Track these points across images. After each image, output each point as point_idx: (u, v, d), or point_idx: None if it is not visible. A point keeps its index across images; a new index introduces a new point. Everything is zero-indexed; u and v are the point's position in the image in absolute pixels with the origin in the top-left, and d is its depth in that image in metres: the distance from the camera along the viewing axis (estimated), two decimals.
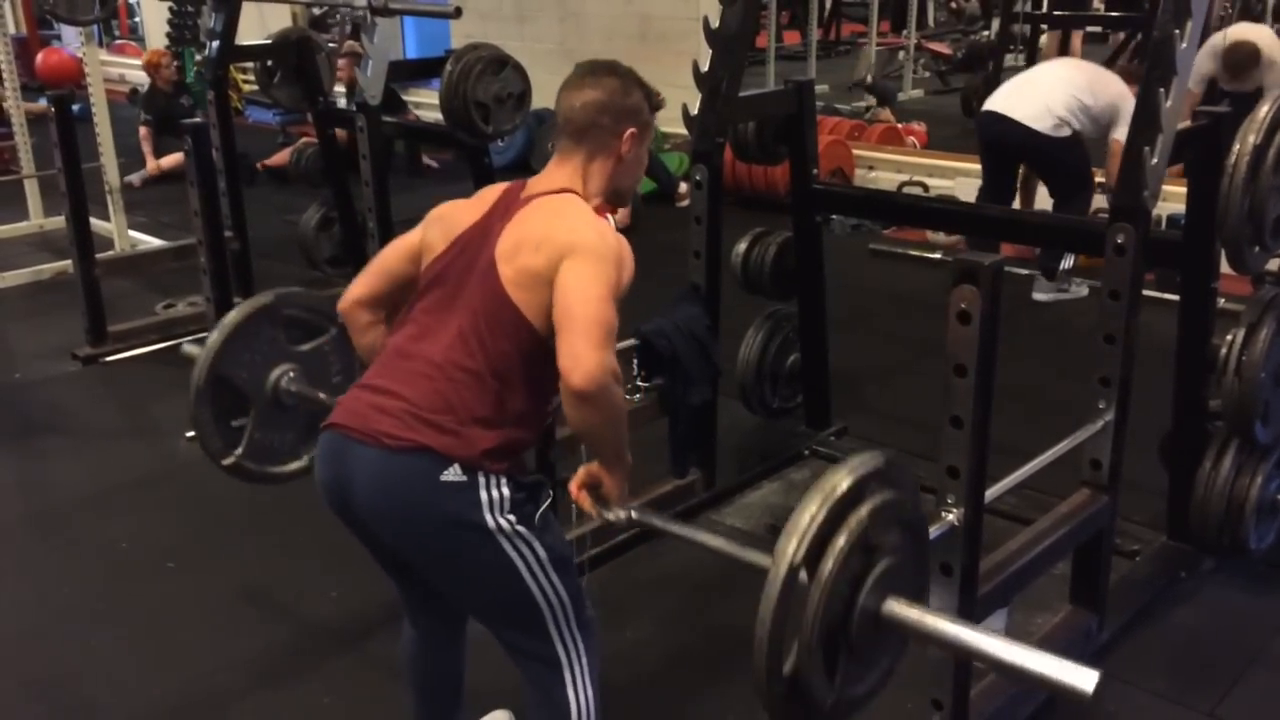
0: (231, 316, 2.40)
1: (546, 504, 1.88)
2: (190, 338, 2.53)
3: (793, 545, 1.50)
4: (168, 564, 3.20)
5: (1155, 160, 2.49)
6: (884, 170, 6.92)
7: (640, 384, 3.23)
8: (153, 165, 7.68)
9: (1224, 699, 2.56)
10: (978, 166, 6.66)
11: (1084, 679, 1.44)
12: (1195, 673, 2.66)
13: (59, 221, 5.06)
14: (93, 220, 4.75)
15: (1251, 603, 2.93)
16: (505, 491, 1.81)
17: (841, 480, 1.56)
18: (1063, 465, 2.54)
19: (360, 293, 2.09)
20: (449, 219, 2.00)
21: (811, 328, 3.72)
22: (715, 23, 3.18)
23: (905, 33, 10.76)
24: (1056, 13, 9.71)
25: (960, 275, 1.92)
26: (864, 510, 1.56)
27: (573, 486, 1.95)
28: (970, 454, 2.00)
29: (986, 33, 10.06)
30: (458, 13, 4.27)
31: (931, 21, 13.32)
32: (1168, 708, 2.55)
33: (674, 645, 2.76)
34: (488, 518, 1.79)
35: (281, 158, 7.06)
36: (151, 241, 5.97)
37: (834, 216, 6.16)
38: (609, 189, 2.02)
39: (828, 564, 1.51)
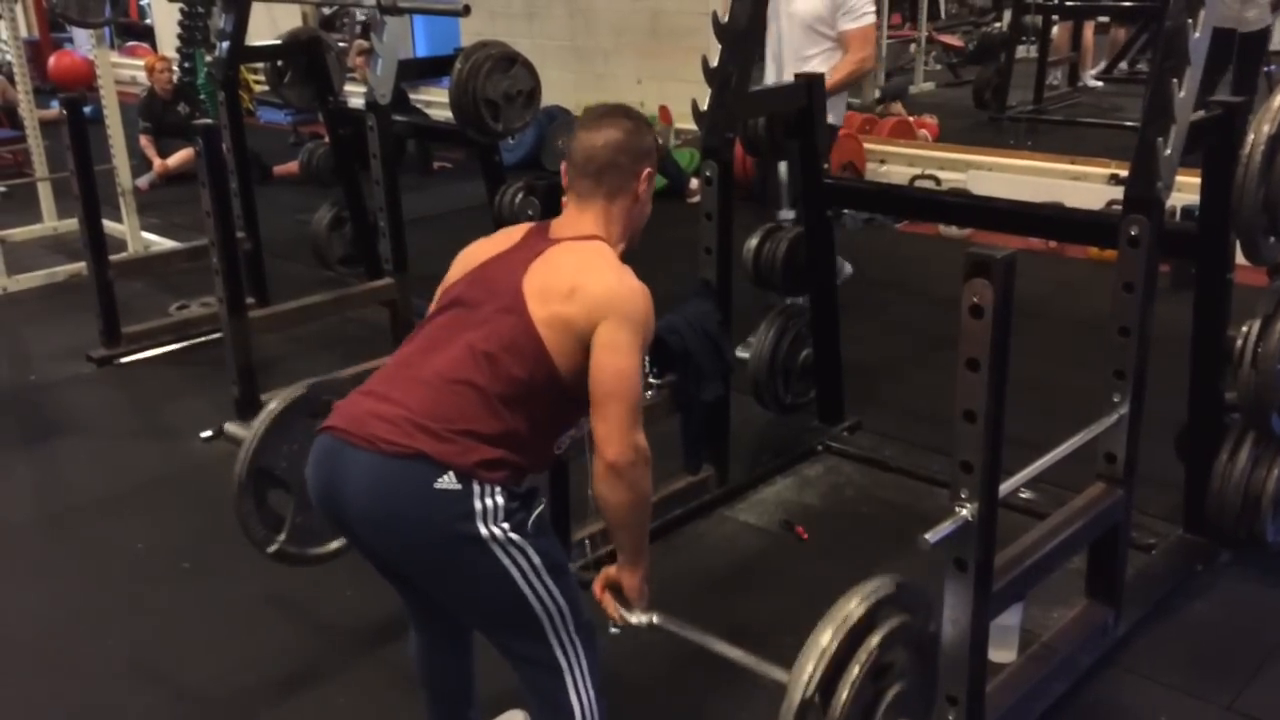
0: (266, 412, 2.50)
1: (540, 509, 1.87)
2: (232, 422, 2.62)
3: (807, 672, 1.60)
4: (183, 565, 3.22)
5: (1169, 151, 2.47)
6: (895, 164, 6.90)
7: (652, 380, 3.23)
8: (159, 165, 7.69)
9: (1241, 692, 2.54)
10: (990, 159, 6.69)
11: None
12: (1212, 666, 2.65)
13: (72, 224, 5.08)
14: (106, 222, 4.77)
15: (1269, 595, 2.91)
16: (499, 500, 1.79)
17: (855, 608, 1.66)
18: (1077, 459, 2.52)
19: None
20: (469, 255, 2.06)
21: (824, 323, 3.71)
22: (724, 17, 3.17)
23: (916, 25, 10.71)
24: (1068, 3, 9.66)
25: (973, 269, 1.92)
26: (876, 637, 1.66)
27: (596, 588, 2.02)
28: (984, 448, 1.99)
29: (998, 24, 10.04)
30: (466, 10, 4.27)
31: (943, 14, 13.26)
32: (1185, 701, 2.54)
33: (686, 643, 2.76)
34: (481, 527, 1.78)
35: (291, 167, 7.08)
36: (164, 242, 6.00)
37: (845, 211, 6.14)
38: (628, 233, 2.06)
39: (842, 693, 1.60)
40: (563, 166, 2.07)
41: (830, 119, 4.12)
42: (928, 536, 1.93)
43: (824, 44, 4.18)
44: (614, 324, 1.84)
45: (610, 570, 2.01)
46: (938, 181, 6.56)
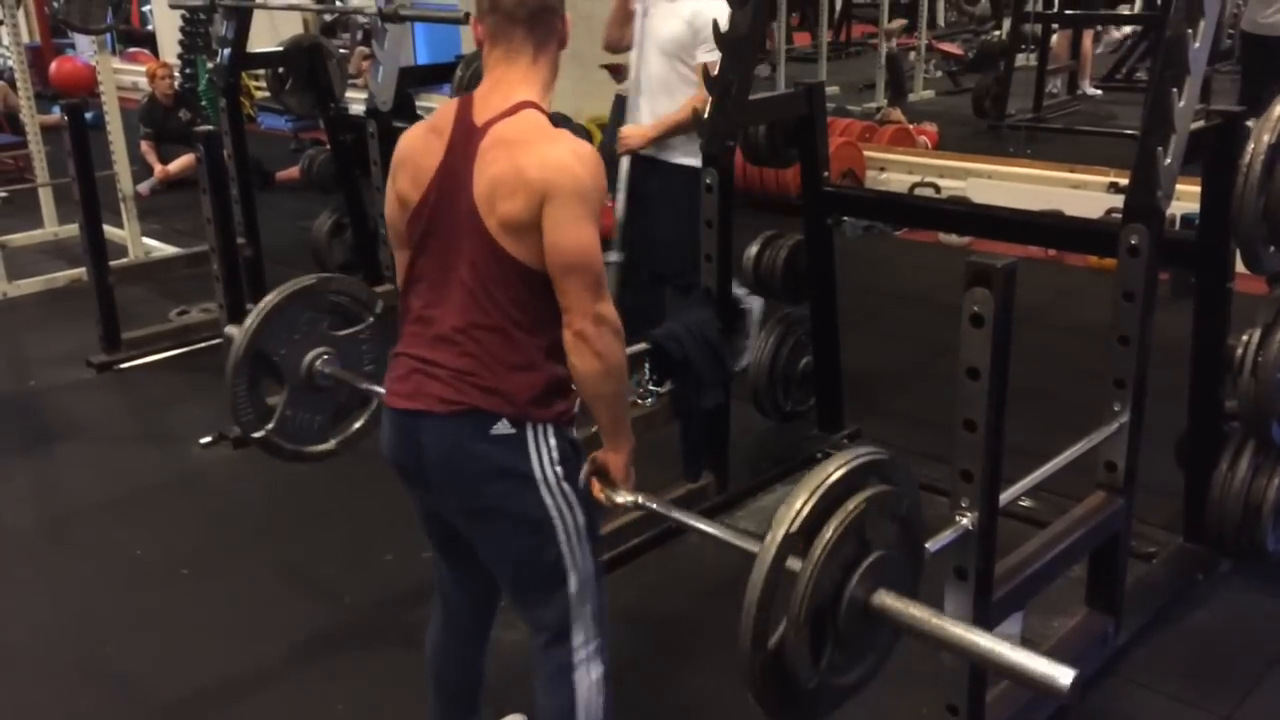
0: (274, 295, 2.49)
1: (584, 474, 1.95)
2: (231, 326, 2.63)
3: (784, 526, 1.54)
4: (182, 570, 3.21)
5: (1169, 160, 2.48)
6: (895, 171, 6.91)
7: (652, 388, 3.23)
8: (160, 171, 7.69)
9: (1242, 703, 2.54)
10: (990, 167, 6.70)
11: (1062, 675, 1.48)
12: (1212, 676, 2.65)
13: (73, 229, 5.09)
14: (106, 227, 4.77)
15: (1269, 605, 2.90)
16: (552, 441, 1.89)
17: (835, 470, 1.60)
18: (1078, 467, 2.52)
19: (404, 273, 2.02)
20: (412, 162, 1.95)
21: (823, 330, 3.71)
22: (725, 26, 3.17)
23: (916, 33, 10.74)
24: (1067, 12, 9.68)
25: (973, 278, 1.92)
26: (857, 500, 1.60)
27: (583, 473, 2.01)
28: (984, 457, 1.99)
29: (998, 33, 10.06)
30: (468, 18, 4.28)
31: (942, 22, 13.29)
32: (1185, 711, 2.53)
33: (685, 649, 2.75)
34: (535, 467, 1.88)
35: (292, 172, 7.09)
36: (165, 248, 6.00)
37: (845, 218, 6.15)
38: (553, 82, 1.95)
39: (818, 547, 1.54)
40: (472, 20, 1.95)
41: (687, 161, 3.67)
42: (928, 545, 1.93)
43: (688, 74, 3.68)
44: (557, 203, 1.79)
45: (597, 454, 2.00)
46: (937, 189, 6.57)
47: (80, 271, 5.21)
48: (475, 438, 1.87)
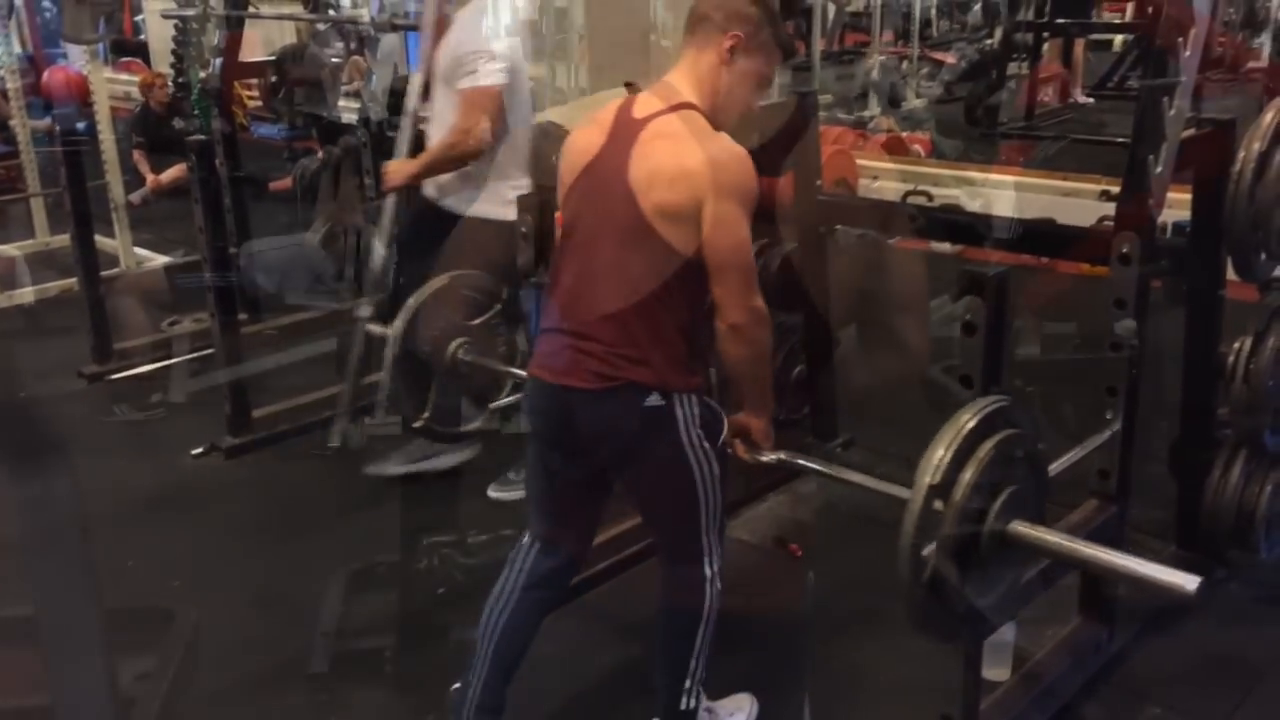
0: (415, 299, 2.80)
1: (725, 434, 2.17)
2: (372, 323, 3.05)
3: (927, 477, 1.74)
4: (173, 583, 3.20)
5: (1160, 169, 2.48)
6: (888, 180, 6.91)
7: None
8: (152, 180, 7.68)
9: (1236, 710, 2.54)
10: (983, 175, 6.71)
11: (1188, 582, 1.67)
12: (1206, 684, 2.65)
13: (64, 239, 5.08)
14: (98, 238, 4.75)
15: (1263, 612, 2.91)
16: (695, 410, 2.10)
17: (967, 421, 1.78)
18: (1070, 475, 2.52)
19: (556, 252, 2.25)
20: (573, 149, 2.16)
21: (817, 339, 3.71)
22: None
23: (908, 42, 10.77)
24: (1059, 21, 9.72)
25: (966, 286, 1.92)
26: (987, 446, 1.77)
27: (723, 436, 2.20)
28: None
29: (990, 41, 10.10)
30: None
31: (935, 31, 13.33)
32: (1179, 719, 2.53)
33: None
34: (682, 433, 2.09)
35: (284, 183, 7.08)
36: (157, 258, 5.99)
37: (838, 227, 6.14)
38: (718, 98, 2.10)
39: (958, 491, 1.73)
40: None
41: (489, 213, 3.25)
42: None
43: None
44: (717, 200, 1.96)
45: (738, 417, 2.21)
46: (930, 198, 6.58)
47: (71, 281, 5.19)
48: (630, 410, 2.05)
